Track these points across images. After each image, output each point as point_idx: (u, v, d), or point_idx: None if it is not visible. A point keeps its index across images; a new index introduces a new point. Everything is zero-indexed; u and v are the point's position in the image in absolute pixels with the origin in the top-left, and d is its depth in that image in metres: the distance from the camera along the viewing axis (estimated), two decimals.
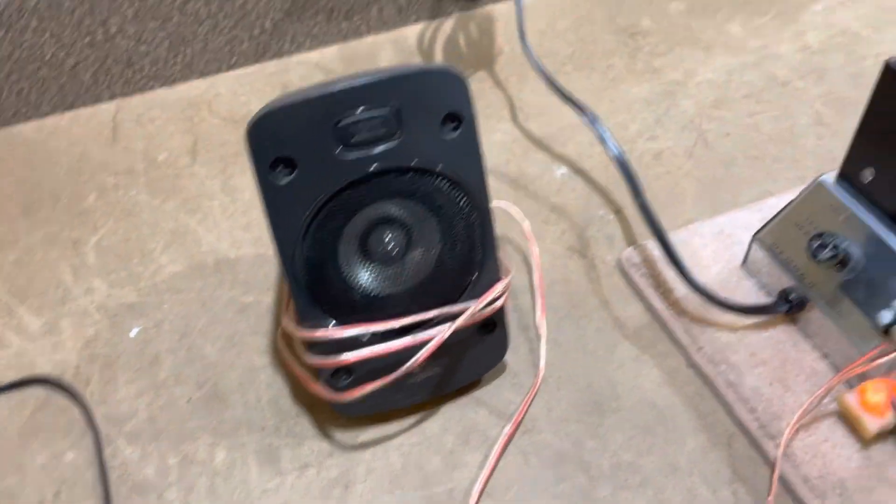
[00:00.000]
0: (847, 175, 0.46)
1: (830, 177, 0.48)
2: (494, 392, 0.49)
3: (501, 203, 0.58)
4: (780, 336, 0.49)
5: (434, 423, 0.48)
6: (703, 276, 0.52)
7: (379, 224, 0.42)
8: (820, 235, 0.45)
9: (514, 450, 0.46)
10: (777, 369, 0.47)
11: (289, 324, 0.44)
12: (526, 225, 0.56)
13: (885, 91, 0.42)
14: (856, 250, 0.45)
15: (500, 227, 0.58)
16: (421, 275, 0.44)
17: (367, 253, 0.43)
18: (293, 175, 0.39)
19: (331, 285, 0.42)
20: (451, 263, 0.44)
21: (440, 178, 0.42)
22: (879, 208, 0.45)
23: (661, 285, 0.53)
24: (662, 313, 0.51)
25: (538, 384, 0.49)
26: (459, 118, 0.41)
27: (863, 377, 0.44)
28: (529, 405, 0.48)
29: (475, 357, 0.48)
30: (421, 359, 0.43)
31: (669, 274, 0.52)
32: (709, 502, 0.43)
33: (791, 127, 0.64)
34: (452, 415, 0.48)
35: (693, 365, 0.49)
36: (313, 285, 0.42)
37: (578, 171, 0.62)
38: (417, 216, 0.43)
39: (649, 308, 0.52)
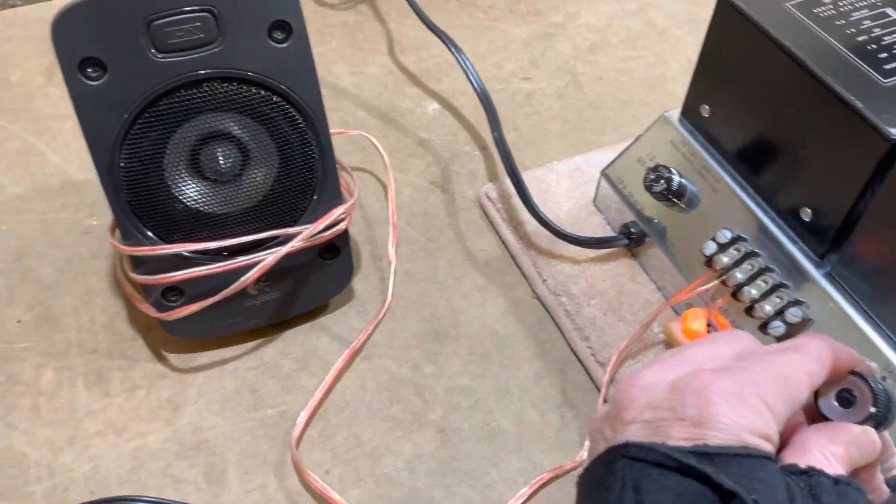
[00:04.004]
0: (688, 111, 0.47)
1: (675, 113, 0.48)
2: (340, 319, 0.49)
3: (364, 133, 0.57)
4: (620, 269, 0.50)
5: (273, 348, 0.47)
6: (555, 212, 0.52)
7: (211, 138, 0.41)
8: (655, 168, 0.46)
9: (352, 374, 0.46)
10: (613, 300, 0.48)
11: (113, 239, 0.43)
12: (385, 156, 0.55)
13: (720, 25, 0.43)
14: (689, 184, 0.45)
15: (363, 158, 0.58)
16: (257, 195, 0.43)
17: (198, 169, 0.42)
18: (104, 78, 0.37)
19: (154, 199, 0.41)
20: (288, 184, 0.43)
21: (270, 90, 0.41)
22: (714, 144, 0.46)
23: (513, 219, 0.53)
24: (513, 246, 0.52)
25: (383, 312, 0.49)
26: (288, 28, 0.40)
27: (689, 307, 0.45)
28: (371, 332, 0.48)
29: (318, 283, 0.47)
30: (249, 280, 0.42)
31: (522, 209, 0.52)
32: (536, 424, 0.44)
33: (662, 73, 0.65)
34: (293, 340, 0.48)
35: (537, 296, 0.50)
36: (135, 198, 0.40)
37: (450, 107, 0.62)
38: (251, 132, 0.42)
39: (502, 241, 0.53)
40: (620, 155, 0.50)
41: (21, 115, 0.59)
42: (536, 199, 0.53)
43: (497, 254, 0.52)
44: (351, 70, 0.64)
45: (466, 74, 0.55)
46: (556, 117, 0.61)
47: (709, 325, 0.43)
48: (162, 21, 0.37)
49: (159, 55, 0.38)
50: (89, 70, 0.37)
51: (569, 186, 0.54)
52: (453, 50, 0.56)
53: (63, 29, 0.36)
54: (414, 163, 0.58)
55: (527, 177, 0.55)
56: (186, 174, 0.41)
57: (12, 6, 0.68)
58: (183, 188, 0.41)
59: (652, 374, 0.30)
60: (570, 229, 0.51)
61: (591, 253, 0.50)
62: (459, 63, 0.55)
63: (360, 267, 0.51)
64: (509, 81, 0.64)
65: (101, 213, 0.53)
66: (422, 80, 0.64)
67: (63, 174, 0.55)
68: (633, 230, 0.49)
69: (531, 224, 0.52)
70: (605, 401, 0.44)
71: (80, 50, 0.36)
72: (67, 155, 0.56)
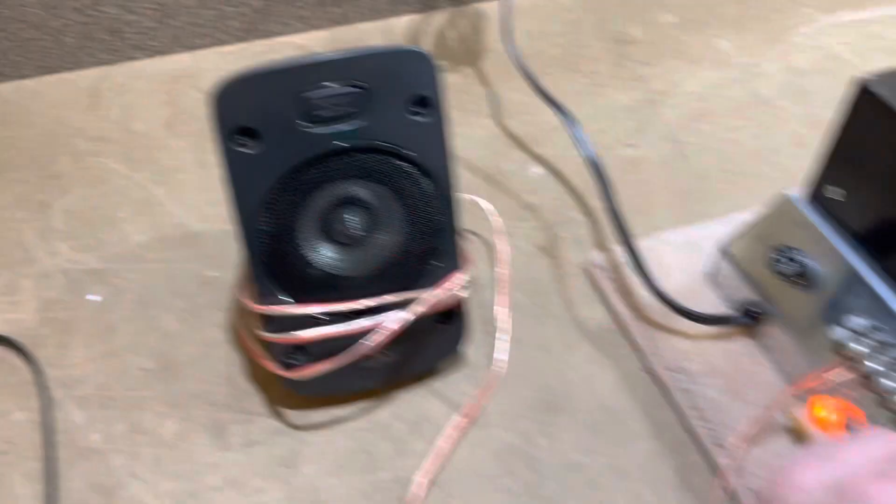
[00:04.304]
0: (816, 193, 0.46)
1: (796, 193, 0.48)
2: (450, 383, 0.49)
3: (474, 197, 0.57)
4: (738, 348, 0.49)
5: (386, 410, 0.47)
6: (667, 284, 0.52)
7: (342, 204, 0.42)
8: (783, 250, 0.45)
9: (463, 442, 0.46)
10: (732, 380, 0.47)
11: (245, 298, 0.44)
12: (496, 220, 0.56)
13: (860, 112, 0.42)
14: (817, 267, 0.45)
15: (471, 221, 0.58)
16: (382, 259, 0.44)
17: (328, 232, 0.43)
18: (255, 146, 0.39)
19: (288, 261, 0.42)
20: (413, 250, 0.44)
21: (405, 161, 0.42)
22: (846, 228, 0.45)
23: (624, 290, 0.53)
24: (624, 318, 0.51)
25: (494, 380, 0.49)
26: (427, 102, 0.41)
27: (814, 393, 0.44)
28: (483, 399, 0.48)
29: (432, 347, 0.48)
30: (378, 344, 0.43)
31: (634, 279, 0.52)
32: None
33: (769, 145, 0.65)
34: (405, 402, 0.48)
35: (650, 370, 0.49)
36: (271, 259, 0.42)
37: (555, 172, 0.62)
38: (381, 199, 0.43)
39: (611, 312, 0.52)
40: (741, 233, 0.50)
41: (144, 165, 0.62)
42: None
43: (606, 324, 0.52)
44: (457, 132, 0.65)
45: (576, 143, 0.55)
46: (662, 186, 0.61)
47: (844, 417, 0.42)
48: (315, 95, 0.38)
49: (306, 126, 0.39)
50: (243, 138, 0.39)
51: (681, 259, 0.54)
52: (564, 118, 0.57)
53: (223, 100, 0.38)
54: (520, 226, 0.58)
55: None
56: (318, 238, 0.43)
57: (132, 59, 0.71)
58: (314, 251, 0.43)
59: (807, 474, 0.29)
60: (683, 303, 0.51)
61: (707, 329, 0.50)
62: (569, 132, 0.56)
63: (470, 331, 0.51)
64: (613, 148, 0.64)
65: (219, 266, 0.54)
66: (526, 144, 0.64)
67: (183, 226, 0.57)
68: (755, 310, 0.48)
69: (643, 296, 0.52)
70: (726, 488, 0.43)
71: (236, 120, 0.38)
72: (188, 207, 0.58)
